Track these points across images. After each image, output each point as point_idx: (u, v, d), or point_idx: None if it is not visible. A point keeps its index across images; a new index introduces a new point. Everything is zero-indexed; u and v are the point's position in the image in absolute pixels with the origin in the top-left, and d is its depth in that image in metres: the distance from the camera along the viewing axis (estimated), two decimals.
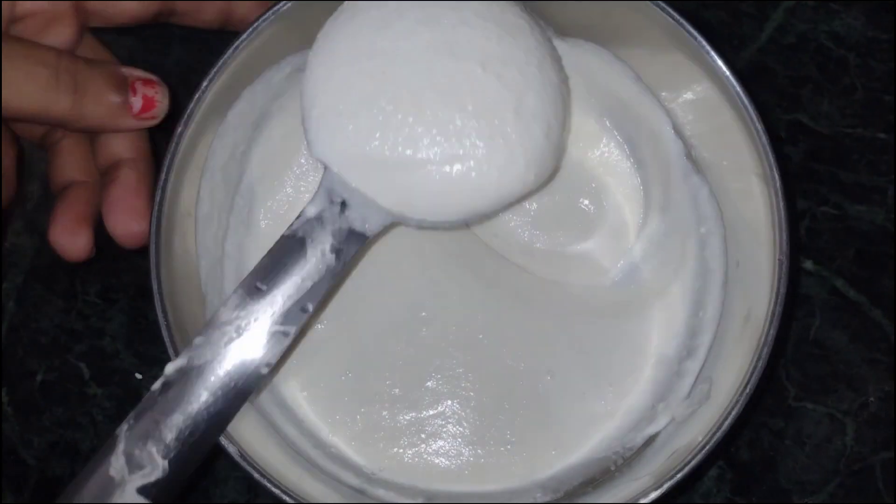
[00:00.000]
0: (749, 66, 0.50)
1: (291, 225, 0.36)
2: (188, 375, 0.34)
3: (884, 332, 0.48)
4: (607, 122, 0.43)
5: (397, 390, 0.43)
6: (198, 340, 0.35)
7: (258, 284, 0.35)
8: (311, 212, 0.36)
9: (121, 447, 0.33)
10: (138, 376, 0.49)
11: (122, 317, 0.49)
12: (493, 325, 0.43)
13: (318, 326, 0.44)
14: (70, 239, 0.39)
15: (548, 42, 0.38)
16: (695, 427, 0.39)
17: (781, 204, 0.37)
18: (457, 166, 0.35)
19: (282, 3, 0.38)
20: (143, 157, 0.41)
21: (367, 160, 0.35)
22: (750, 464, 0.47)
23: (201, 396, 0.34)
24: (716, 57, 0.38)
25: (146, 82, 0.39)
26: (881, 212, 0.49)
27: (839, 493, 0.46)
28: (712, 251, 0.42)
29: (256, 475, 0.36)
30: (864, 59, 0.50)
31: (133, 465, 0.33)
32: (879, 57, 0.50)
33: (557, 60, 0.38)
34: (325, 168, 0.36)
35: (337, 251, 0.36)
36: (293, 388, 0.43)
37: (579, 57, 0.41)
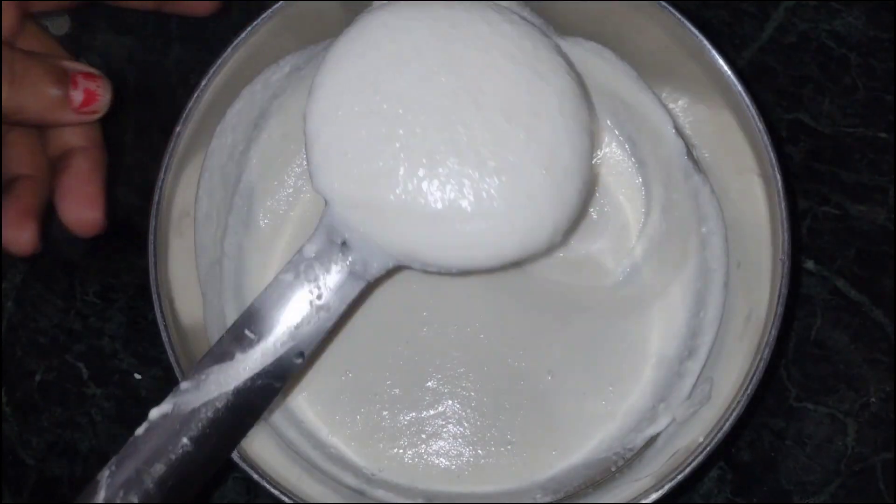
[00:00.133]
0: (750, 66, 0.50)
1: (286, 265, 0.35)
2: (173, 422, 0.33)
3: (885, 332, 0.48)
4: (608, 122, 0.43)
5: (397, 390, 0.43)
6: (184, 385, 0.33)
7: (247, 331, 0.34)
8: (310, 251, 0.34)
9: (101, 494, 0.31)
10: (137, 376, 0.49)
11: (121, 317, 0.49)
12: (493, 324, 0.43)
13: None
14: (15, 233, 0.37)
15: (578, 74, 0.35)
16: (696, 428, 0.38)
17: (783, 204, 0.37)
18: (473, 225, 0.32)
19: (281, 3, 0.38)
20: (96, 145, 0.39)
21: (373, 204, 0.33)
22: (751, 464, 0.47)
23: (185, 446, 0.32)
24: (717, 56, 0.38)
25: (87, 76, 0.37)
26: (882, 211, 0.49)
27: (840, 494, 0.46)
28: (713, 251, 0.42)
29: (256, 476, 0.36)
30: (865, 58, 0.50)
31: None
32: (880, 56, 0.50)
33: (588, 94, 0.36)
34: (327, 204, 0.34)
35: (333, 297, 0.34)
36: (292, 389, 0.43)
37: (580, 56, 0.41)
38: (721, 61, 0.38)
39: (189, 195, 0.41)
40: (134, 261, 0.49)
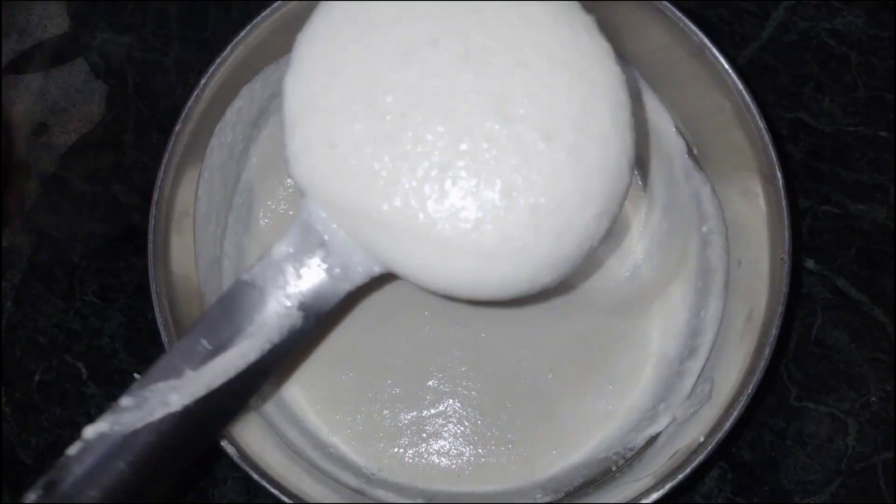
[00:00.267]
0: (750, 64, 0.50)
1: (251, 267, 0.29)
2: (110, 444, 0.28)
3: (885, 332, 0.47)
4: None
5: (398, 389, 0.43)
6: (125, 402, 0.29)
7: (203, 342, 0.28)
8: (280, 252, 0.29)
9: None
10: (137, 376, 0.48)
11: (121, 316, 0.49)
12: (495, 323, 0.43)
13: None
14: None
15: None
16: (696, 427, 0.38)
17: (784, 202, 0.37)
18: (492, 264, 0.27)
19: (280, 2, 0.38)
20: None
21: (362, 211, 0.27)
22: (751, 464, 0.46)
23: (123, 472, 0.28)
24: (717, 55, 0.38)
25: None
26: (882, 210, 0.49)
27: (841, 493, 0.46)
28: (714, 250, 0.42)
29: (255, 476, 0.36)
30: (866, 56, 0.50)
31: None
32: (881, 55, 0.50)
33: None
34: (304, 198, 0.29)
35: (306, 308, 0.29)
36: (293, 388, 0.43)
37: None
38: (722, 60, 0.38)
39: (189, 194, 0.40)
40: (133, 260, 0.49)
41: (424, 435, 0.42)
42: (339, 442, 0.42)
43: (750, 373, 0.37)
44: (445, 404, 0.43)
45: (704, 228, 0.42)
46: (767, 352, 0.36)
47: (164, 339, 0.36)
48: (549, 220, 0.27)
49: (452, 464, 0.42)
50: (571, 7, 0.28)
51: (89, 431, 0.28)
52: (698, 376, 0.41)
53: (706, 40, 0.38)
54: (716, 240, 0.42)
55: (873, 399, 0.47)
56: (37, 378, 0.49)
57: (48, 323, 0.49)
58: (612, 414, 0.42)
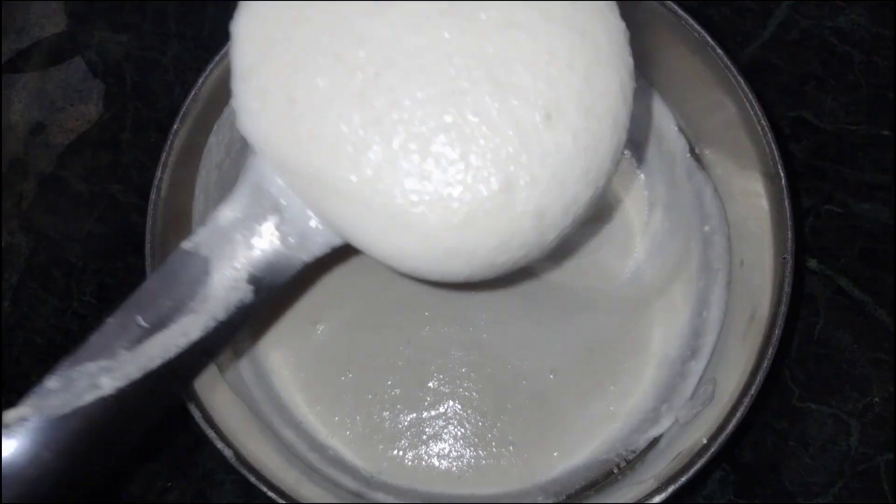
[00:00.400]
0: (752, 63, 0.50)
1: (194, 234, 0.26)
2: (32, 431, 0.25)
3: (888, 332, 0.47)
4: None
5: (398, 391, 0.43)
6: (52, 384, 0.26)
7: (138, 318, 0.25)
8: (226, 218, 0.25)
9: None
10: None
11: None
12: (496, 324, 0.43)
13: (318, 326, 0.43)
14: None
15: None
16: (699, 429, 0.38)
17: (786, 202, 0.37)
18: (468, 252, 0.24)
19: None
20: None
21: (324, 179, 0.24)
22: (754, 466, 0.46)
23: (47, 463, 0.25)
24: (720, 53, 0.37)
25: None
26: (885, 209, 0.48)
27: (843, 495, 0.46)
28: (716, 249, 0.42)
29: (252, 478, 0.36)
30: (869, 55, 0.50)
31: None
32: (883, 53, 0.50)
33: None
34: (255, 155, 0.25)
35: (257, 281, 0.25)
36: (291, 389, 0.43)
37: None
38: (724, 58, 0.37)
39: (187, 194, 0.40)
40: (132, 261, 0.48)
41: (424, 437, 0.42)
42: (337, 444, 0.42)
43: (753, 374, 0.36)
44: (445, 406, 0.42)
45: (706, 228, 0.42)
46: (770, 352, 0.36)
47: None
48: (552, 221, 0.24)
49: (452, 466, 0.42)
50: None
51: (10, 415, 0.26)
52: (700, 377, 0.41)
53: (708, 38, 0.37)
54: (718, 239, 0.42)
55: (876, 400, 0.47)
56: (34, 379, 0.48)
57: (45, 323, 0.49)
58: (613, 415, 0.42)
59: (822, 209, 0.49)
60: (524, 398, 0.42)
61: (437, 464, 0.42)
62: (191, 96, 0.38)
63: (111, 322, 0.26)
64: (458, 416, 0.42)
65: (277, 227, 0.25)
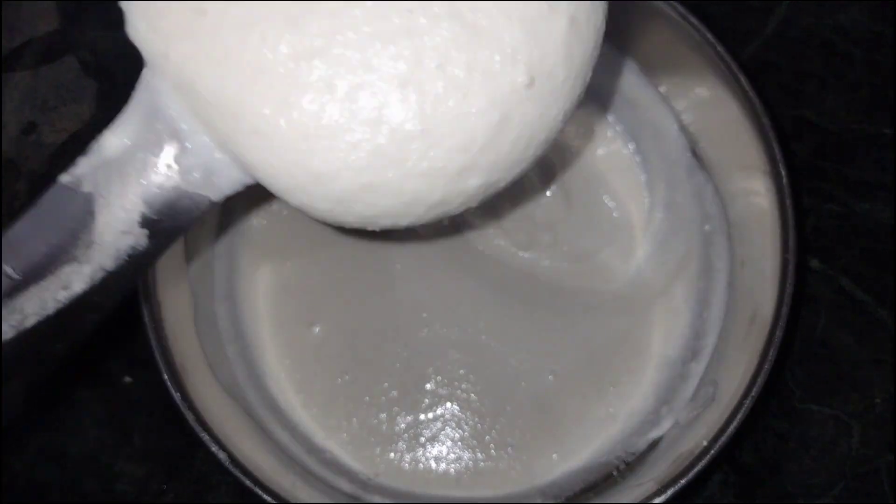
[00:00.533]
0: (753, 61, 0.49)
1: (74, 164, 0.21)
2: None
3: (889, 332, 0.47)
4: (611, 118, 0.43)
5: (395, 393, 0.42)
6: None
7: (7, 269, 0.21)
8: (113, 146, 0.20)
9: None
10: (127, 379, 0.48)
11: (111, 319, 0.48)
12: (494, 325, 0.43)
13: (314, 327, 0.43)
14: None
15: None
16: (699, 431, 0.38)
17: (788, 201, 0.37)
18: (399, 148, 0.20)
19: None
20: None
21: (240, 109, 0.20)
22: (754, 468, 0.46)
23: None
24: (721, 51, 0.37)
25: None
26: (887, 209, 0.48)
27: (845, 497, 0.46)
28: (717, 249, 0.42)
29: (248, 482, 0.35)
30: (870, 53, 0.50)
31: None
32: (884, 52, 0.50)
33: None
34: (149, 69, 0.21)
35: (153, 224, 0.21)
36: (287, 392, 0.42)
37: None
38: (725, 56, 0.37)
39: None
40: None
41: (422, 439, 0.42)
42: (334, 446, 0.42)
43: (754, 375, 0.36)
44: (443, 408, 0.42)
45: (707, 227, 0.42)
46: (772, 354, 0.36)
47: (154, 342, 0.36)
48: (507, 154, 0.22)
49: (451, 468, 0.42)
50: None
51: None
52: (701, 378, 0.41)
53: (709, 36, 0.37)
54: (718, 239, 0.42)
55: (877, 401, 0.46)
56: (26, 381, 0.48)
57: None
58: (613, 417, 0.42)
59: (824, 208, 0.48)
60: (523, 400, 0.42)
61: (434, 466, 0.42)
62: None
63: None
64: (456, 419, 0.42)
65: (177, 159, 0.21)
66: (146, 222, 0.21)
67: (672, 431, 0.40)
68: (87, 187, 0.21)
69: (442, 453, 0.42)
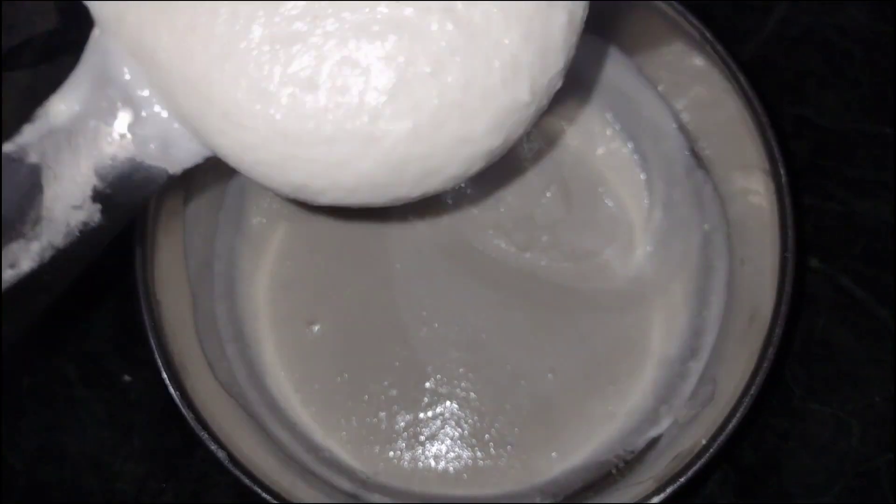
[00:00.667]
0: (753, 60, 0.49)
1: (19, 132, 0.19)
2: None
3: (889, 331, 0.47)
4: (609, 117, 0.43)
5: (394, 391, 0.42)
6: None
7: None
8: (61, 112, 0.19)
9: None
10: (127, 378, 0.48)
11: (110, 318, 0.48)
12: (494, 324, 0.43)
13: (313, 326, 0.43)
14: None
15: None
16: (698, 429, 0.38)
17: (787, 200, 0.37)
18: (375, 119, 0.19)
19: None
20: None
21: (205, 87, 0.18)
22: (754, 466, 0.46)
23: None
24: (720, 50, 0.37)
25: None
26: (887, 208, 0.48)
27: (844, 495, 0.45)
28: (716, 248, 0.42)
29: (247, 481, 0.35)
30: (870, 52, 0.50)
31: None
32: (884, 50, 0.50)
33: None
34: (100, 31, 0.19)
35: (106, 198, 0.20)
36: (286, 390, 0.42)
37: (580, 51, 0.40)
38: (724, 55, 0.37)
39: (178, 192, 0.40)
40: (123, 261, 0.48)
41: (421, 438, 0.42)
42: (333, 445, 0.42)
43: (753, 374, 0.36)
44: (443, 406, 0.42)
45: (706, 226, 0.42)
46: (771, 352, 0.36)
47: (153, 341, 0.36)
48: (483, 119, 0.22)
49: (450, 467, 0.42)
50: None
51: None
52: (700, 377, 0.41)
53: (708, 35, 0.37)
54: (718, 238, 0.42)
55: (877, 399, 0.46)
56: (25, 381, 0.48)
57: (36, 325, 0.48)
58: (612, 415, 0.42)
59: (824, 207, 0.48)
60: (522, 398, 0.42)
61: (434, 465, 0.42)
62: None
63: None
64: (455, 417, 0.42)
65: (131, 129, 0.19)
66: (99, 196, 0.20)
67: (671, 430, 0.40)
68: (33, 158, 0.19)
69: (441, 452, 0.42)
